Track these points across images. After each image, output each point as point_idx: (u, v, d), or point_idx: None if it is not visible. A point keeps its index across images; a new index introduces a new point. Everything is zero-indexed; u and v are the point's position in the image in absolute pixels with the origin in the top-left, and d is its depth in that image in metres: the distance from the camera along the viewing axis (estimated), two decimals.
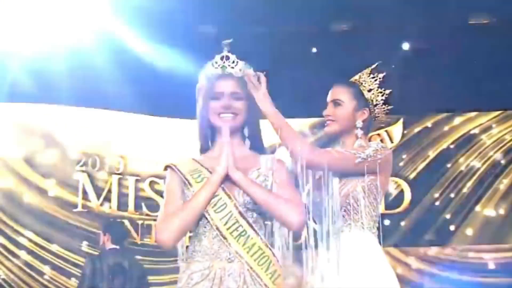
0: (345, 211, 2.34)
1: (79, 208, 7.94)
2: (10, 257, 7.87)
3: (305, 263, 2.24)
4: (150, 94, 8.21)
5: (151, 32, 7.75)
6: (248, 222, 1.98)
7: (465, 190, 8.11)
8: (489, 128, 8.66)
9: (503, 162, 8.45)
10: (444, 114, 8.81)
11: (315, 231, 2.32)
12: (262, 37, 7.75)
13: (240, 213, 1.97)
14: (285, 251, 2.09)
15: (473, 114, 8.87)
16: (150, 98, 8.26)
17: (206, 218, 1.97)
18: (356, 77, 2.58)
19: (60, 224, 8.12)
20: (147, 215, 8.33)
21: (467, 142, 8.51)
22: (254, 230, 1.98)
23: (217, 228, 1.96)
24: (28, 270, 7.86)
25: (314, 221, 2.39)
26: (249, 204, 1.98)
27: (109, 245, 5.53)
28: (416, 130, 8.28)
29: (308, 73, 7.38)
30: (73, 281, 7.51)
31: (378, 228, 2.40)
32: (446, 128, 8.75)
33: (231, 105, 2.06)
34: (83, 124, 8.54)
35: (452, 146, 8.47)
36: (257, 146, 2.16)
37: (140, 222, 8.23)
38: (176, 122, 8.56)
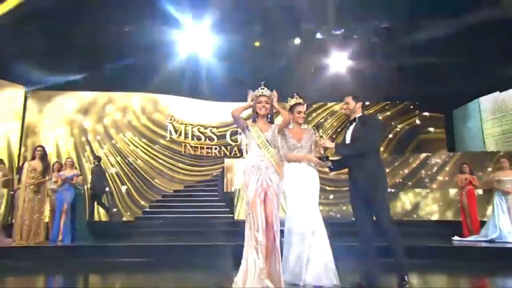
0: (308, 150, 3.84)
1: (168, 138, 11.73)
2: (123, 142, 11.32)
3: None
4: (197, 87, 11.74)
5: None
6: (269, 143, 3.53)
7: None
8: (326, 118, 12.59)
9: (334, 136, 11.81)
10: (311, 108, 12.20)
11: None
12: None
13: (266, 140, 3.52)
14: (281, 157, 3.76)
15: (322, 109, 12.48)
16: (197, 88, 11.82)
17: (255, 141, 3.52)
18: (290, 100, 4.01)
19: (140, 130, 11.62)
20: (197, 142, 12.10)
21: (319, 126, 12.05)
22: (271, 146, 3.53)
23: (258, 145, 3.51)
24: (128, 150, 11.28)
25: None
26: (269, 137, 3.53)
27: (95, 163, 9.48)
28: None
29: None
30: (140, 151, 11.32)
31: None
32: (310, 118, 12.35)
33: (265, 106, 3.60)
34: (171, 103, 12.10)
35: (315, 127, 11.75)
36: (271, 122, 3.66)
37: (193, 146, 12.00)
38: (210, 103, 12.32)
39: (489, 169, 9.28)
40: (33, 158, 7.01)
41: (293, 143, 3.85)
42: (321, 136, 3.73)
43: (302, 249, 3.57)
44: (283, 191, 3.70)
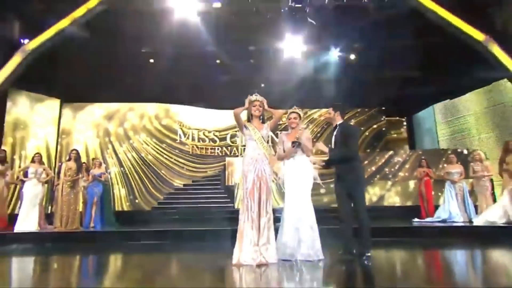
0: (301, 150, 3.75)
1: (178, 140, 11.69)
2: (138, 142, 11.29)
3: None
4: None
5: None
6: (264, 139, 3.65)
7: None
8: (308, 124, 12.20)
9: (314, 140, 11.68)
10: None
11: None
12: None
13: (262, 136, 3.65)
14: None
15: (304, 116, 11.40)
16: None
17: (252, 137, 3.64)
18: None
19: (154, 133, 11.54)
20: (202, 143, 12.01)
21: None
22: (266, 142, 3.67)
23: (255, 140, 3.63)
24: (142, 148, 11.24)
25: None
26: (264, 134, 3.66)
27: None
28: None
29: None
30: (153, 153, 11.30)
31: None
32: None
33: (258, 108, 3.74)
34: (180, 111, 11.95)
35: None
36: (264, 122, 3.79)
37: (199, 147, 11.92)
38: (212, 111, 12.15)
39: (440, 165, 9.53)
40: (69, 159, 7.15)
41: (288, 146, 3.85)
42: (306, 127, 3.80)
43: (293, 232, 3.61)
44: (282, 184, 3.88)
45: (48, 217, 7.63)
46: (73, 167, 6.94)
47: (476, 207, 7.42)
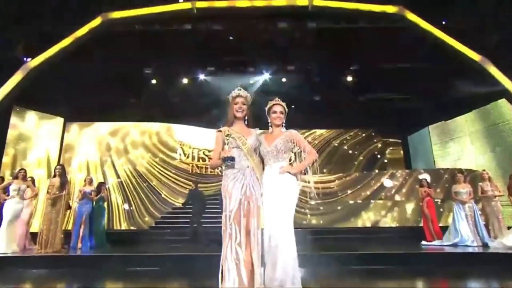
0: (284, 154, 2.56)
1: (178, 159, 10.69)
2: (136, 157, 10.30)
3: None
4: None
5: None
6: (253, 151, 2.52)
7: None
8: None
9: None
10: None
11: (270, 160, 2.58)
12: None
13: (249, 148, 2.48)
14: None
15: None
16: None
17: (240, 148, 2.47)
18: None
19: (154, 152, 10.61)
20: (199, 163, 10.87)
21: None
22: (255, 154, 2.54)
23: (244, 153, 2.47)
24: (142, 166, 10.22)
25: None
26: (252, 146, 2.51)
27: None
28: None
29: None
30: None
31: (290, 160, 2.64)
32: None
33: (241, 107, 2.57)
34: (180, 130, 10.99)
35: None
36: (248, 125, 2.60)
37: (199, 166, 10.81)
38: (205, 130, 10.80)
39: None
40: (54, 176, 5.99)
41: (264, 149, 2.60)
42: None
43: (276, 260, 2.34)
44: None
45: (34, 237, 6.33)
46: (56, 183, 5.75)
47: (488, 229, 6.20)
